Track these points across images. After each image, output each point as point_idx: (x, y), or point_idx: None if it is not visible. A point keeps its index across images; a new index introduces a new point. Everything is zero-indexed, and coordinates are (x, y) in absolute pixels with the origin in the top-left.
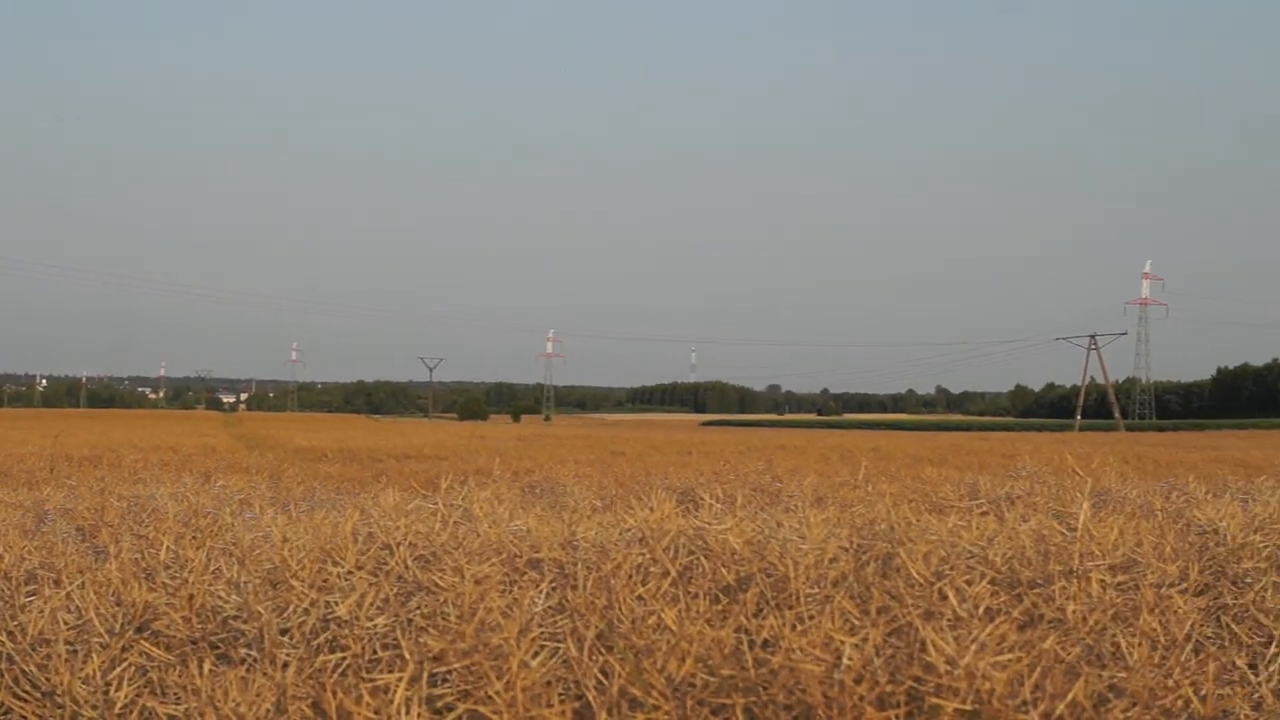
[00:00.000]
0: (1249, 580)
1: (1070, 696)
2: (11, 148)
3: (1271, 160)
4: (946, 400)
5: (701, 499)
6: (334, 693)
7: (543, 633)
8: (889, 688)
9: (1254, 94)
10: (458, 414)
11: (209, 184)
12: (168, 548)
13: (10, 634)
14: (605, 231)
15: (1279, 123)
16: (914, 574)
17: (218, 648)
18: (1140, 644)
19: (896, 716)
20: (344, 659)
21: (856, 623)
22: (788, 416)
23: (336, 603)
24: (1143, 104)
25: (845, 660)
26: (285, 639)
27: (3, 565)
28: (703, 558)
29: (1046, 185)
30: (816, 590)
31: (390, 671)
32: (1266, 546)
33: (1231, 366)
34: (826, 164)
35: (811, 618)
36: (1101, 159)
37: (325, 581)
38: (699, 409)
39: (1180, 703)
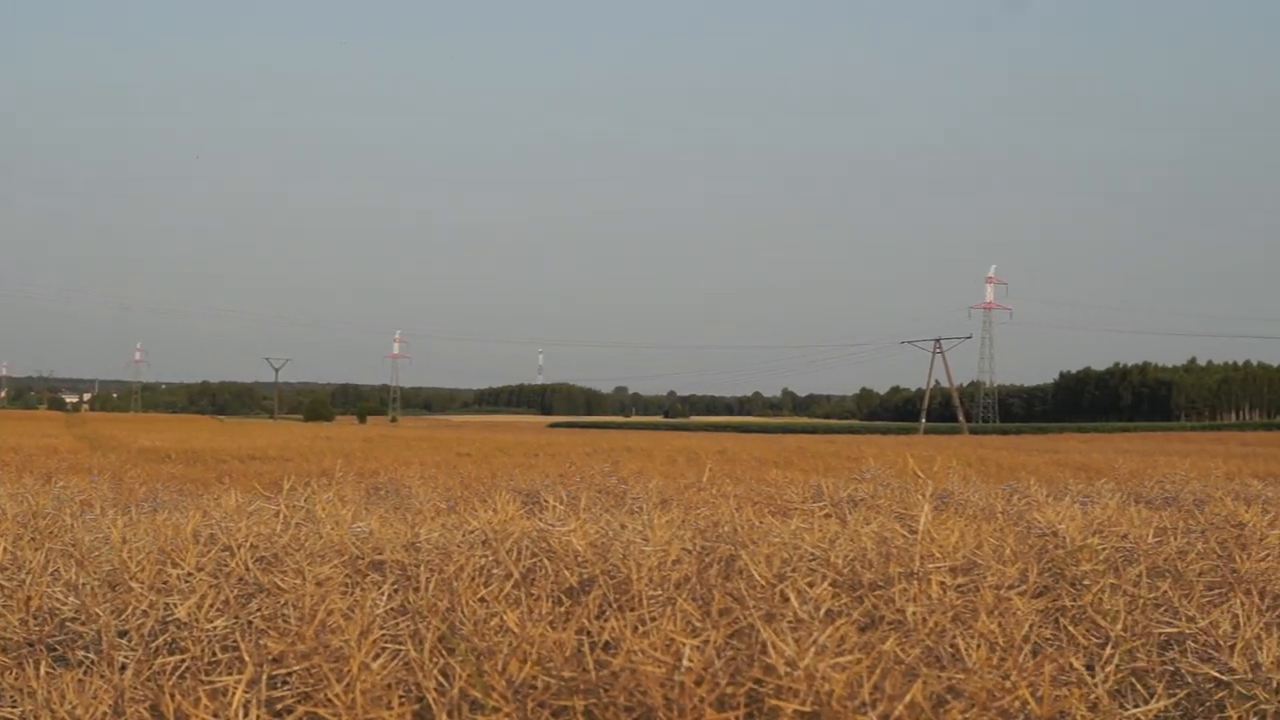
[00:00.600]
0: (1087, 582)
1: (909, 698)
2: None
3: (1114, 168)
4: (793, 403)
5: (546, 501)
6: (172, 695)
7: (384, 635)
8: (729, 689)
9: (1094, 100)
10: (303, 415)
11: (52, 182)
12: (4, 549)
13: None
14: (453, 234)
15: (1123, 134)
16: (756, 576)
17: (55, 650)
18: (979, 646)
19: (736, 718)
20: (183, 661)
21: (698, 625)
22: (634, 419)
23: (176, 605)
24: (987, 110)
25: (686, 662)
26: (124, 641)
27: None
28: (546, 560)
29: (893, 192)
30: (659, 592)
31: (229, 674)
32: (1104, 549)
33: (1074, 370)
34: (678, 170)
35: (653, 620)
36: (945, 165)
37: (165, 583)
38: (546, 411)
39: (1018, 704)
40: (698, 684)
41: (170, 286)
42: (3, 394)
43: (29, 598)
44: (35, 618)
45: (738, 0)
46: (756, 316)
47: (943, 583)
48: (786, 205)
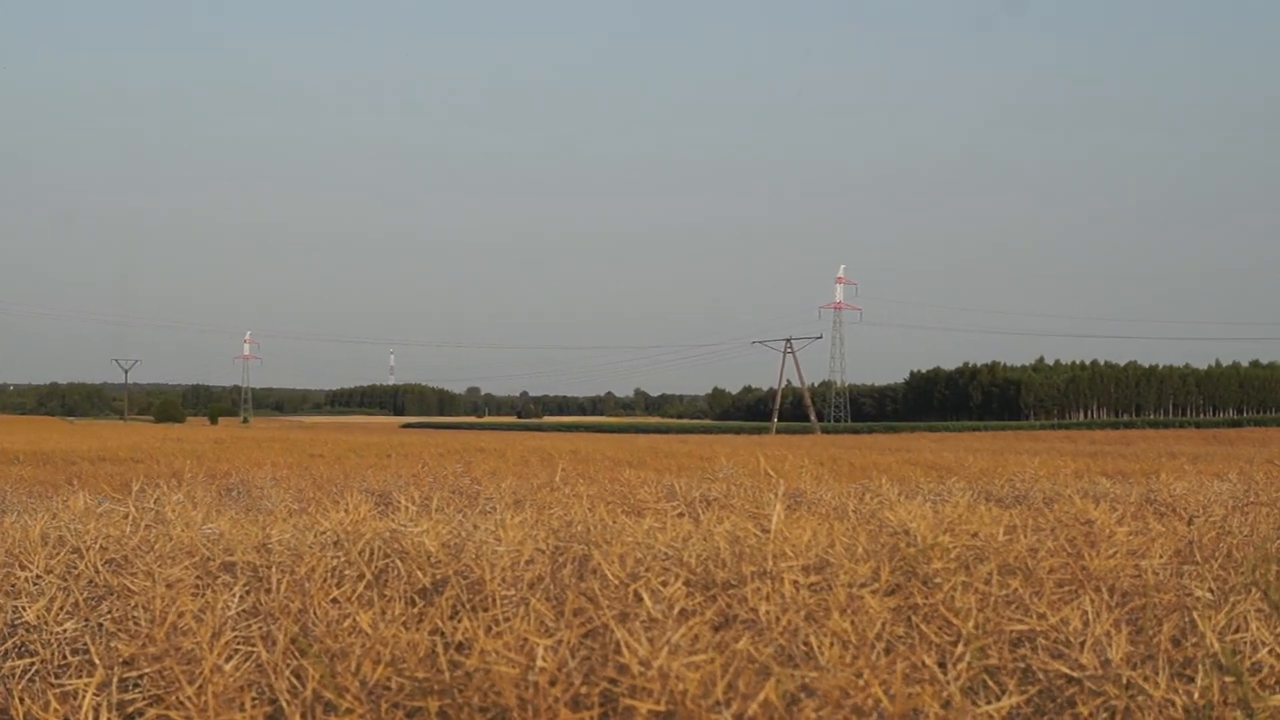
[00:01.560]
0: (939, 580)
1: (762, 696)
2: None
3: (968, 167)
4: (645, 403)
5: (398, 502)
6: (21, 699)
7: (236, 636)
8: (583, 689)
9: (942, 96)
10: (154, 416)
11: None
12: None
13: None
14: (302, 234)
15: (980, 128)
16: (609, 575)
17: None
18: (832, 644)
19: (590, 718)
20: (32, 664)
21: (551, 625)
22: (487, 419)
23: (24, 607)
24: (832, 109)
25: (540, 662)
26: None
27: None
28: (398, 560)
29: (743, 189)
30: (513, 592)
31: (80, 677)
32: (955, 547)
33: (924, 370)
34: (527, 169)
35: (507, 620)
36: (794, 164)
37: (13, 586)
38: (398, 411)
39: (870, 702)
40: (552, 684)
41: (18, 286)
42: None
43: None
44: None
45: None
46: (608, 316)
47: (795, 581)
48: (640, 203)
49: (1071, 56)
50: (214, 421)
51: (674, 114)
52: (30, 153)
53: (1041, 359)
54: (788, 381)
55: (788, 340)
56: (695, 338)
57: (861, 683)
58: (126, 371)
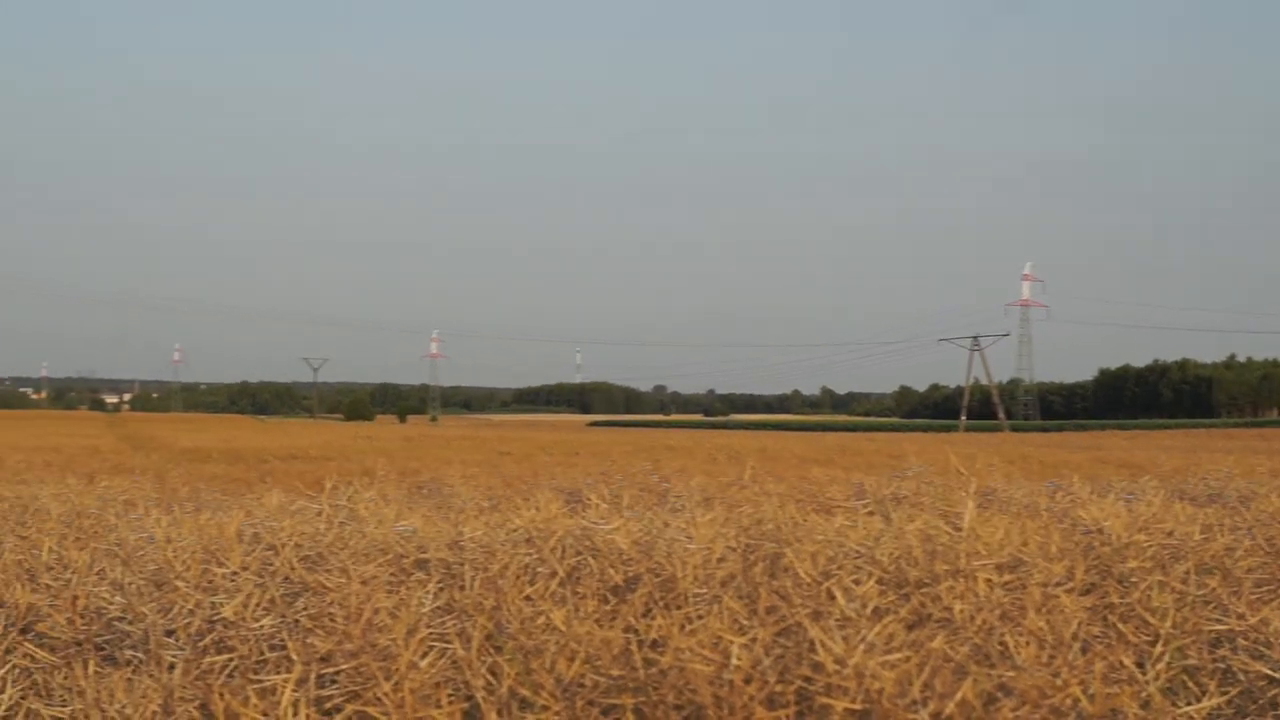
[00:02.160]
0: (1134, 579)
1: (959, 696)
2: None
3: (1152, 161)
4: (832, 401)
5: (588, 499)
6: (221, 694)
7: (431, 633)
8: (778, 687)
9: (1134, 90)
10: (343, 415)
11: (91, 185)
12: (50, 549)
13: None
14: (490, 232)
15: (1156, 123)
16: (801, 574)
17: (103, 649)
18: (1028, 643)
19: (786, 716)
20: (231, 660)
21: (745, 623)
22: (674, 417)
23: (222, 604)
24: (1020, 105)
25: (734, 660)
26: (171, 640)
27: None
28: (590, 558)
29: (929, 187)
30: (704, 590)
31: (277, 673)
32: (1151, 546)
33: (1113, 367)
34: (713, 167)
35: (700, 618)
36: (982, 162)
37: (210, 582)
38: (585, 410)
39: (1069, 702)
40: (747, 682)
41: (209, 286)
42: (43, 395)
43: (75, 597)
44: (82, 617)
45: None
46: (795, 314)
47: (989, 580)
48: (826, 204)
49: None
50: (402, 420)
51: (859, 114)
52: (225, 155)
53: (1233, 356)
54: (975, 379)
55: (975, 338)
56: (882, 335)
57: (1059, 682)
58: (316, 370)
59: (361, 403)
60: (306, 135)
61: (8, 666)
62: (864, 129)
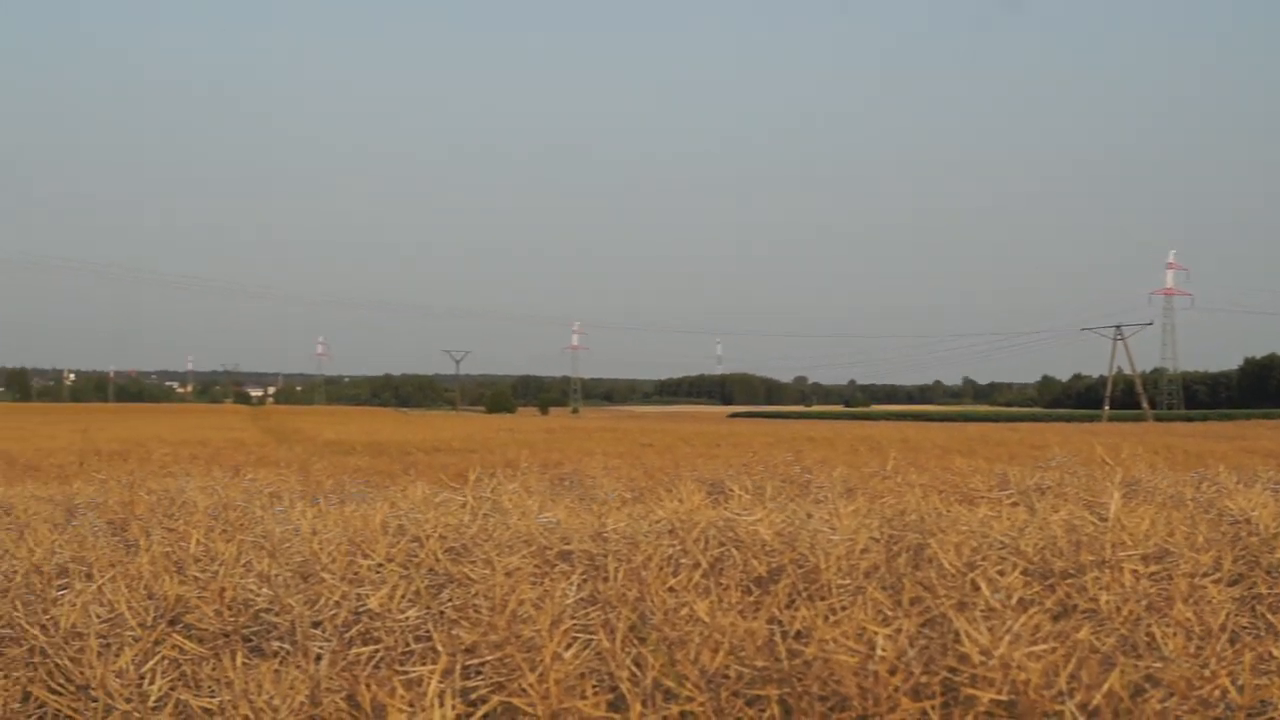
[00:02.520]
0: None
1: (1106, 687)
2: (28, 143)
3: None
4: (974, 391)
5: (731, 490)
6: (368, 685)
7: (575, 624)
8: (923, 679)
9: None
10: (485, 407)
11: (234, 178)
12: (198, 541)
13: (43, 627)
14: (630, 224)
15: None
16: (946, 564)
17: (250, 640)
18: (1175, 634)
19: (931, 707)
20: (377, 651)
21: (889, 614)
22: (815, 408)
23: (368, 595)
24: (1161, 94)
25: (879, 651)
26: (317, 632)
27: (34, 559)
28: (733, 549)
29: (1071, 175)
30: (848, 581)
31: (423, 664)
32: None
33: (1259, 356)
34: (843, 159)
35: (844, 609)
36: (1125, 148)
37: (356, 574)
38: (726, 401)
39: (1217, 693)
40: (892, 673)
41: (351, 280)
42: (189, 388)
43: (223, 589)
44: (230, 609)
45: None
46: (936, 303)
47: (1135, 571)
48: (964, 193)
49: None
50: (544, 412)
51: (1002, 99)
52: (367, 152)
53: None
54: (1118, 369)
55: (1118, 327)
56: (1024, 325)
57: (1207, 673)
58: (458, 362)
59: (503, 395)
60: (439, 131)
61: (157, 658)
62: (1006, 109)
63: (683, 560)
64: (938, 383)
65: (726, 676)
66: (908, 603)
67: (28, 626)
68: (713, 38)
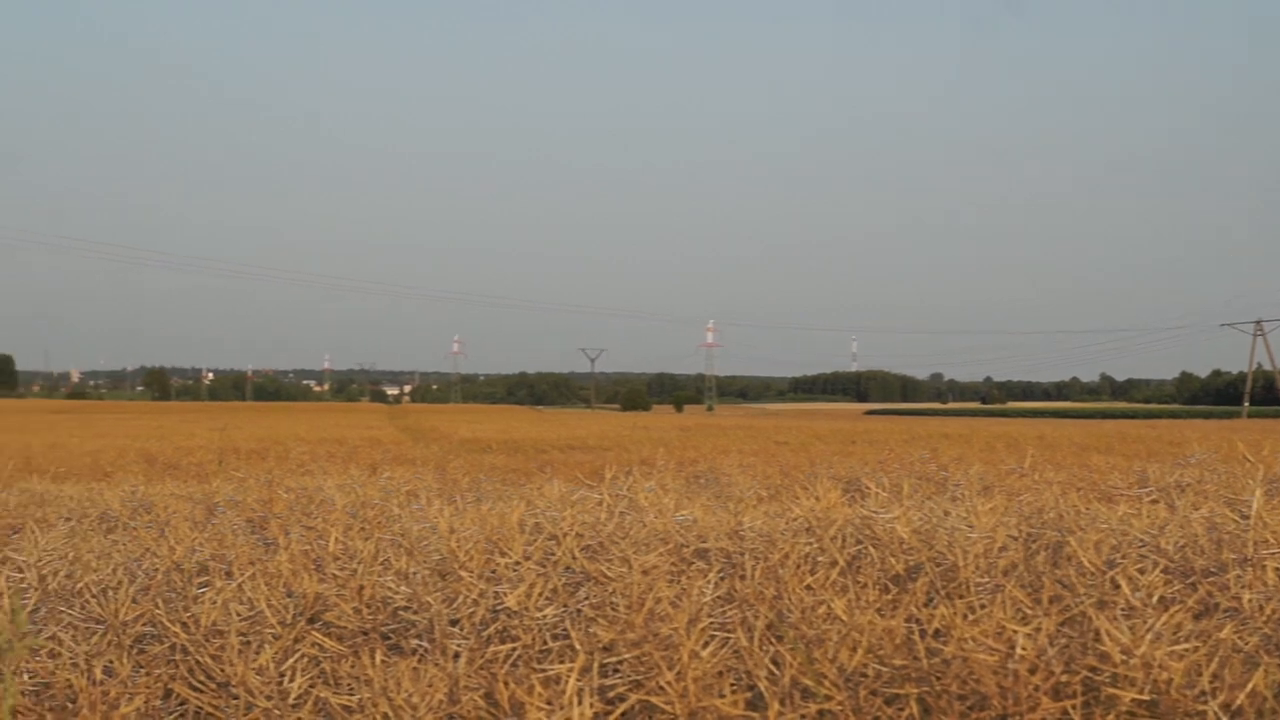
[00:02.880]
0: None
1: (1250, 686)
2: (178, 150)
3: None
4: (1111, 388)
5: (868, 488)
6: (506, 683)
7: (712, 623)
8: (1064, 678)
9: None
10: (620, 405)
11: (373, 181)
12: (336, 539)
13: (184, 625)
14: (764, 224)
15: None
16: (1085, 563)
17: (389, 638)
18: None
19: (1073, 707)
20: (514, 649)
21: (1028, 612)
22: (951, 405)
23: (505, 593)
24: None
25: (1019, 650)
26: (455, 629)
27: (175, 557)
28: (871, 547)
29: (1210, 174)
30: (987, 579)
31: (561, 662)
32: None
33: None
34: (982, 162)
35: (983, 607)
36: (1269, 144)
37: (494, 572)
38: (861, 398)
39: None
40: (1032, 672)
41: (487, 279)
42: (326, 387)
43: (361, 587)
44: (368, 606)
45: None
46: (1073, 299)
47: (1279, 569)
48: (1103, 190)
49: None
50: (679, 409)
51: (1134, 86)
52: (508, 151)
53: None
54: (1259, 365)
55: (1258, 322)
56: (1162, 320)
57: None
58: (593, 361)
59: (638, 393)
60: (579, 133)
61: (296, 655)
62: (1136, 101)
63: (820, 558)
64: (1074, 379)
65: (865, 675)
66: (1047, 601)
67: (169, 624)
68: (812, 34)
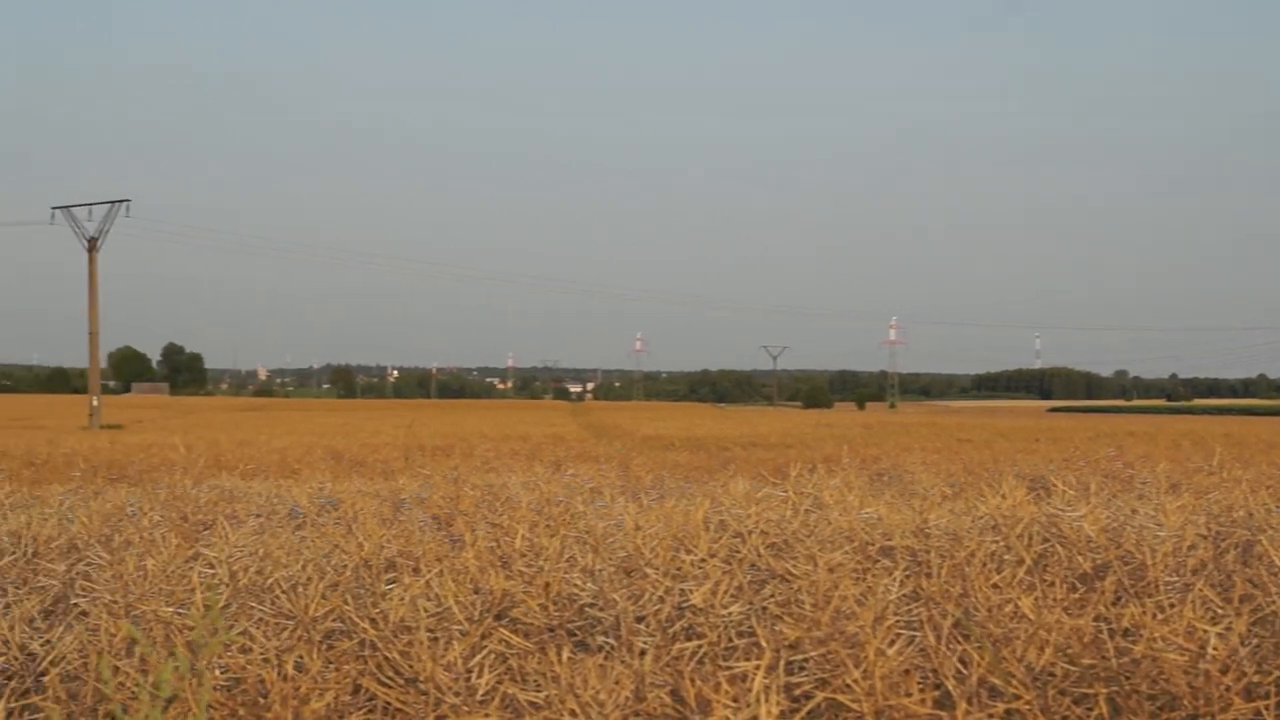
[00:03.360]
0: None
1: None
2: (339, 148)
3: None
4: None
5: (1053, 485)
6: (692, 680)
7: (897, 620)
8: (1256, 678)
9: None
10: (802, 402)
11: (553, 180)
12: (523, 536)
13: (373, 621)
14: (947, 220)
15: None
16: (1277, 561)
17: (575, 635)
18: None
19: (1265, 708)
20: (700, 647)
21: (1219, 612)
22: (1135, 402)
23: (691, 590)
24: None
25: (1210, 650)
26: (641, 626)
27: (363, 553)
28: (1058, 545)
29: None
30: (1176, 578)
31: (747, 659)
32: None
33: None
34: (1163, 155)
35: (1172, 606)
36: None
37: (679, 569)
38: (1044, 395)
39: None
40: (1224, 672)
41: (668, 276)
42: (509, 384)
43: (548, 584)
44: (555, 603)
45: None
46: (1262, 294)
47: None
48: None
49: None
50: (861, 407)
51: None
52: (675, 151)
53: None
54: None
55: None
56: None
57: None
58: (775, 358)
59: (820, 390)
60: (754, 129)
61: (484, 652)
62: None
63: (1006, 556)
64: (1262, 376)
65: (1053, 674)
66: (1238, 600)
67: (358, 620)
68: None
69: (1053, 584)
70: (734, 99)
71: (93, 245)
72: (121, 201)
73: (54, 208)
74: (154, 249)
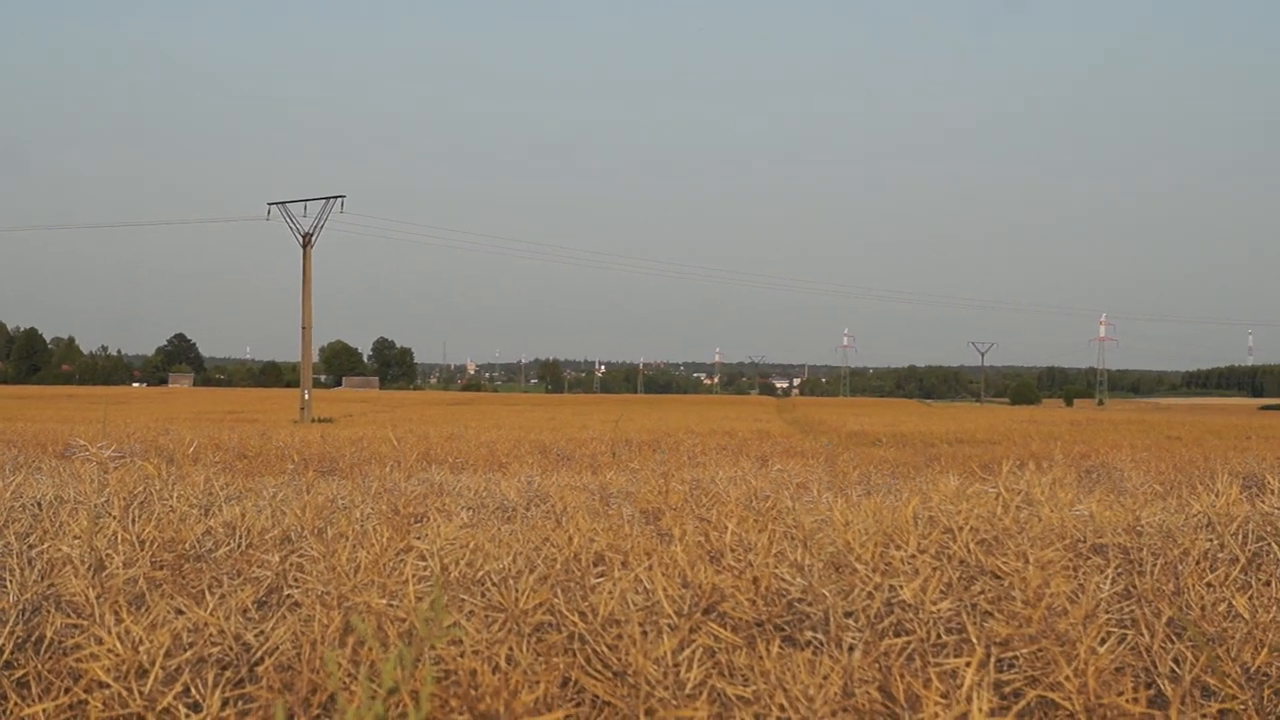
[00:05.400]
0: None
1: None
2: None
3: None
4: None
5: (1269, 483)
6: (901, 676)
7: (1110, 619)
8: None
9: None
10: (1009, 398)
11: (767, 176)
12: (731, 531)
13: (581, 614)
14: (1157, 215)
15: None
16: None
17: (783, 630)
18: None
19: None
20: (909, 643)
21: None
22: None
23: (901, 586)
24: None
25: None
26: (850, 622)
27: (573, 547)
28: (1274, 543)
29: None
30: None
31: (956, 656)
32: None
33: None
34: None
35: None
36: None
37: (888, 565)
38: (1256, 393)
39: None
40: None
41: (879, 272)
42: (716, 380)
43: (757, 578)
44: (763, 598)
45: None
46: None
47: None
48: None
49: None
50: (1069, 403)
51: None
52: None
53: None
54: None
55: None
56: None
57: None
58: (983, 354)
59: (1027, 386)
60: (960, 127)
61: (693, 646)
62: None
63: (1220, 554)
64: None
65: (1268, 675)
66: None
67: (567, 613)
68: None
69: (1268, 583)
70: (948, 88)
71: (307, 241)
72: (336, 198)
73: (270, 204)
74: (366, 245)
